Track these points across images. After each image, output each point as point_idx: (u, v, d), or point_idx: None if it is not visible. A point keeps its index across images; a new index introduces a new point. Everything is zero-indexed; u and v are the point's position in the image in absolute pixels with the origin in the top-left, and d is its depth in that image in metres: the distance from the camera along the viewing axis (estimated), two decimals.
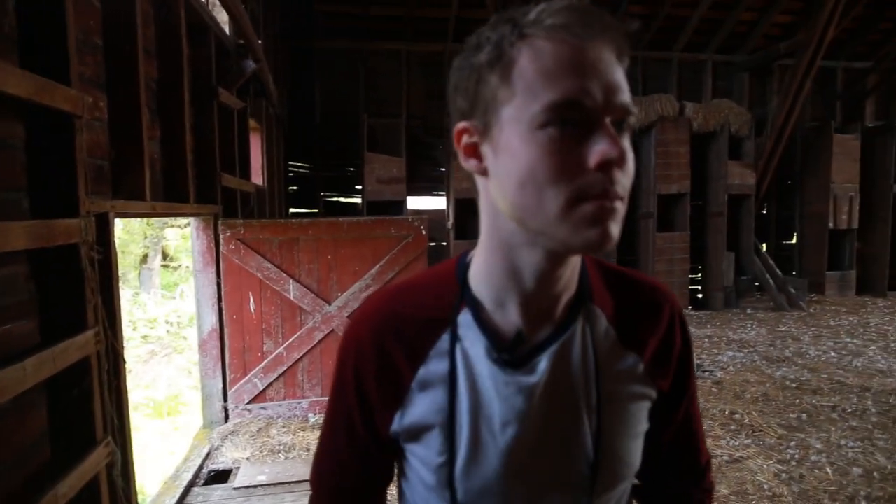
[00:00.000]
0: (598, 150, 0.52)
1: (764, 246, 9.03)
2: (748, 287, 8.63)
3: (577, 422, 0.64)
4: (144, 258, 11.38)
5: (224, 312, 3.91)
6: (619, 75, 0.54)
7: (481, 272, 0.65)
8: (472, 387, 0.63)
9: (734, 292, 8.33)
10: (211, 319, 3.91)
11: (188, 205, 3.17)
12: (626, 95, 0.54)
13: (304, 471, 3.28)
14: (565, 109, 0.52)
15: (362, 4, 7.61)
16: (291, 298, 4.02)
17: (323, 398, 4.12)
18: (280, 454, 3.51)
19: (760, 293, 8.58)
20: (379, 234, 4.15)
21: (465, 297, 0.66)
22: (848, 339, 6.10)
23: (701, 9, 8.14)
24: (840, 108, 9.61)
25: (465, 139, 0.60)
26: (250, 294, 3.97)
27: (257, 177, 5.62)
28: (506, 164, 0.56)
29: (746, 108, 8.54)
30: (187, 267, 11.31)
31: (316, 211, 8.14)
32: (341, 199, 8.36)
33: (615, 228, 0.54)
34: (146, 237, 11.16)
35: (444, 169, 8.12)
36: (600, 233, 0.53)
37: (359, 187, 7.98)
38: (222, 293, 3.89)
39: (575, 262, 0.65)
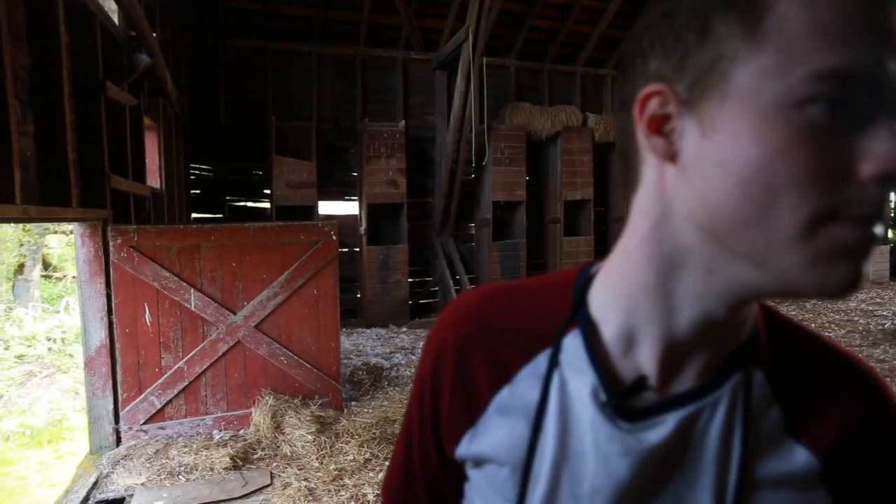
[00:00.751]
0: (886, 153, 0.36)
1: None
2: None
3: None
4: (20, 268, 10.21)
5: (115, 326, 3.60)
6: None
7: (612, 289, 0.49)
8: (564, 430, 0.48)
9: None
10: (99, 334, 3.57)
11: (70, 209, 2.88)
12: None
13: (207, 492, 3.08)
14: (847, 83, 0.36)
15: (270, 3, 7.35)
16: (193, 309, 3.77)
17: (229, 413, 3.90)
18: (181, 476, 3.27)
19: None
20: (287, 240, 4.01)
21: (577, 315, 0.51)
22: None
23: (600, 27, 8.67)
24: None
25: (654, 107, 0.42)
26: (146, 305, 3.68)
27: (154, 179, 5.23)
28: (723, 149, 0.39)
29: None
30: (74, 277, 10.29)
31: (221, 216, 7.71)
32: (249, 204, 7.98)
33: (866, 268, 0.39)
34: (22, 245, 10.03)
35: (356, 173, 8.01)
36: (850, 273, 0.37)
37: (267, 191, 7.67)
38: (113, 305, 3.58)
39: (755, 307, 0.48)
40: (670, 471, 0.46)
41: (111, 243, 3.52)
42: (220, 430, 3.86)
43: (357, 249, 7.99)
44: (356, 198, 8.06)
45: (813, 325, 7.04)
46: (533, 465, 0.49)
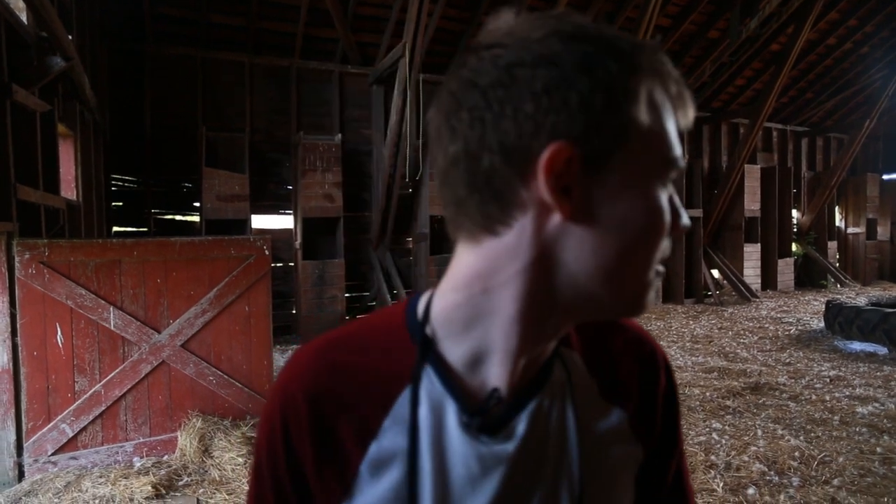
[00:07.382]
0: (685, 216, 0.49)
1: None
2: None
3: (556, 499, 0.51)
4: None
5: (21, 348, 3.31)
6: None
7: (459, 322, 0.50)
8: (441, 466, 0.49)
9: None
10: (1, 358, 3.27)
11: None
12: None
13: None
14: (678, 165, 0.48)
15: (200, 10, 7.12)
16: (112, 328, 3.53)
17: (152, 438, 3.66)
18: None
19: None
20: (217, 255, 3.85)
21: (426, 349, 0.51)
22: None
23: None
24: None
25: (562, 166, 0.43)
26: (58, 325, 3.41)
27: (70, 190, 4.90)
28: (624, 215, 0.45)
29: None
30: None
31: (146, 230, 7.32)
32: (177, 218, 7.63)
33: None
34: None
35: (291, 187, 7.84)
36: (653, 296, 0.50)
37: (197, 204, 7.36)
38: (18, 325, 3.29)
39: None
40: (534, 462, 0.51)
41: (17, 259, 3.25)
42: (142, 457, 3.61)
43: (292, 264, 7.80)
44: (291, 212, 7.88)
45: (730, 333, 7.51)
46: None
